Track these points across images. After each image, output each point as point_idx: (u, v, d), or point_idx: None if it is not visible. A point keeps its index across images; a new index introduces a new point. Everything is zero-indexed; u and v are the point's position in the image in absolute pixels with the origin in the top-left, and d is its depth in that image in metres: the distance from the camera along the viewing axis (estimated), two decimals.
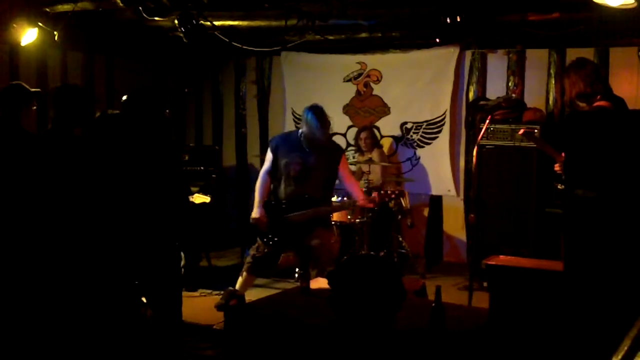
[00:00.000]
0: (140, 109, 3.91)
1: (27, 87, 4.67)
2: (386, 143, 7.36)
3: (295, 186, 4.99)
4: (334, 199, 6.44)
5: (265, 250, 5.06)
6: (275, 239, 5.02)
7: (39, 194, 3.88)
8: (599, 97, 4.10)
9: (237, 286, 5.17)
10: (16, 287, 3.89)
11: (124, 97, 3.91)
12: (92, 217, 3.83)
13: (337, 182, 5.32)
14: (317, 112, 4.92)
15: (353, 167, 7.16)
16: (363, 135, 6.96)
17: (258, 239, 5.12)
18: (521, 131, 5.27)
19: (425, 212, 7.32)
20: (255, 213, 5.02)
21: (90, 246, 3.84)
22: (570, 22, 5.74)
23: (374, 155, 6.82)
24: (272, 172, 5.08)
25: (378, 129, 7.27)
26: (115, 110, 4.04)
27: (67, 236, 3.84)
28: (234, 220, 8.07)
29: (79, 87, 4.33)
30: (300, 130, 5.06)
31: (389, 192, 5.44)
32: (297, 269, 5.89)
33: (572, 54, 6.26)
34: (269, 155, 5.10)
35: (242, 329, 3.61)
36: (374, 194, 5.33)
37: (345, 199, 6.47)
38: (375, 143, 7.00)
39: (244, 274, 5.16)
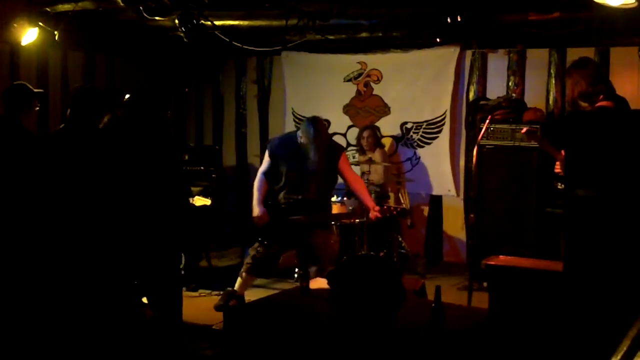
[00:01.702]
0: (142, 109, 3.91)
1: (30, 87, 4.67)
2: (386, 143, 7.35)
3: (296, 192, 4.99)
4: (333, 198, 6.44)
5: (265, 250, 5.05)
6: (276, 238, 5.02)
7: (40, 193, 3.88)
8: (601, 97, 4.09)
9: (236, 286, 5.17)
10: (17, 287, 3.89)
11: (126, 97, 3.92)
12: (93, 217, 3.83)
13: (339, 181, 5.31)
14: (317, 125, 4.93)
15: (355, 167, 7.16)
16: (365, 134, 6.96)
17: (258, 238, 5.12)
18: (524, 130, 5.26)
19: (425, 212, 7.31)
20: (256, 211, 5.02)
21: (90, 246, 3.84)
22: (571, 22, 5.74)
23: (376, 155, 6.82)
24: (270, 174, 5.07)
25: (378, 128, 7.26)
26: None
27: (68, 236, 3.84)
28: (232, 220, 8.06)
29: (98, 90, 4.35)
30: (299, 135, 5.03)
31: (391, 207, 5.41)
32: (296, 269, 5.89)
33: (572, 54, 6.25)
34: (267, 158, 5.09)
35: (241, 329, 3.61)
36: (377, 209, 5.16)
37: (345, 198, 6.48)
38: (377, 142, 7.00)
39: (244, 274, 5.15)
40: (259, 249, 5.07)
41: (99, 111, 3.99)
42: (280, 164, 5.02)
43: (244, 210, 7.21)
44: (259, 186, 5.07)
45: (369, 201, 5.14)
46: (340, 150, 5.29)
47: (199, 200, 5.99)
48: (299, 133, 5.03)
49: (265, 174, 5.08)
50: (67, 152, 3.90)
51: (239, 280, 5.17)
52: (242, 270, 5.18)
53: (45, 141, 4.20)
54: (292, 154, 4.98)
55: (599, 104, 4.05)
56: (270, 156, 5.08)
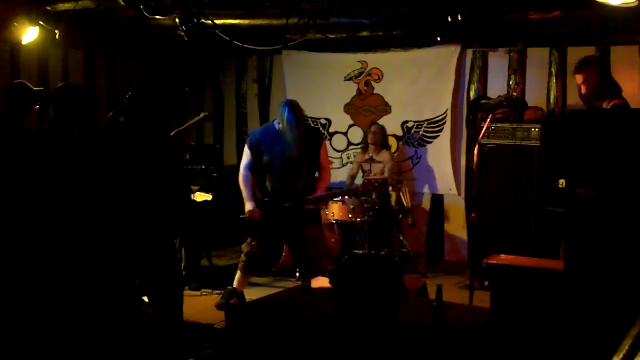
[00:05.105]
0: (143, 107, 3.91)
1: (29, 85, 4.67)
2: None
3: (281, 181, 4.98)
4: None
5: (257, 246, 5.05)
6: (264, 233, 5.01)
7: (39, 192, 3.89)
8: (612, 96, 4.09)
9: (235, 283, 5.18)
10: (16, 287, 3.90)
11: (129, 94, 3.91)
12: (93, 216, 3.83)
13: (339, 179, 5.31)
14: (293, 109, 4.86)
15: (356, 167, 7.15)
16: (373, 128, 6.92)
17: (248, 236, 5.12)
18: None
19: (427, 210, 7.31)
20: (248, 207, 5.02)
21: (90, 245, 3.84)
22: (571, 21, 5.74)
23: (384, 156, 6.79)
24: (254, 167, 5.06)
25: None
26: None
27: (68, 235, 3.84)
28: (233, 219, 8.05)
29: (80, 87, 4.31)
30: (277, 124, 4.97)
31: (372, 180, 5.36)
32: (297, 268, 5.90)
33: (573, 53, 6.26)
34: (248, 152, 5.06)
35: (243, 328, 3.61)
36: (317, 193, 5.19)
37: (346, 197, 6.48)
38: (384, 142, 6.96)
39: (239, 273, 5.16)
40: (252, 243, 5.07)
41: (84, 109, 3.96)
42: (262, 155, 4.99)
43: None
44: (245, 181, 5.05)
45: (320, 188, 5.09)
46: (320, 135, 5.27)
47: (200, 196, 5.98)
48: (276, 120, 4.99)
49: (249, 167, 5.06)
50: (57, 153, 3.89)
51: (237, 276, 5.18)
52: (238, 267, 5.19)
53: (35, 141, 4.18)
54: (274, 143, 4.94)
55: (613, 102, 4.06)
56: (250, 149, 5.05)
